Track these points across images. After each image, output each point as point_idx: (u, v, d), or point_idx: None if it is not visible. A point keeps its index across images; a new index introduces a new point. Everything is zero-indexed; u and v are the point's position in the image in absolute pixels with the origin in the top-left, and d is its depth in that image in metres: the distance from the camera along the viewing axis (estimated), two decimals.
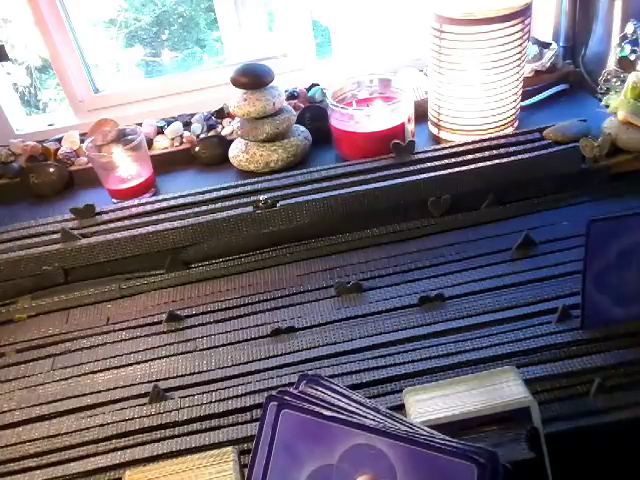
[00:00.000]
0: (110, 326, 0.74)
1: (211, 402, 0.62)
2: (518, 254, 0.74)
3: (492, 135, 0.88)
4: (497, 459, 0.36)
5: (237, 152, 0.93)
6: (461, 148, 0.85)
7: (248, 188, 0.84)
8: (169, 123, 1.02)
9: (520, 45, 0.82)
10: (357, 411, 0.40)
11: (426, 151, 0.85)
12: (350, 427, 0.38)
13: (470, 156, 0.83)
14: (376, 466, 0.37)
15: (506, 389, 0.48)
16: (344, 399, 0.42)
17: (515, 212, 0.81)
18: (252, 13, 1.08)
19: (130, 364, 0.68)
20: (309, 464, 0.38)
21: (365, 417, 0.39)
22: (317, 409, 0.40)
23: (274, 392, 0.43)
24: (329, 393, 0.43)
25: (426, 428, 0.39)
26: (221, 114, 1.03)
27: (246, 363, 0.66)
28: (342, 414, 0.39)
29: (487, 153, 0.83)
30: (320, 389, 0.43)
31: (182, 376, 0.66)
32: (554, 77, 1.02)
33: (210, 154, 0.97)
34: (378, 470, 0.37)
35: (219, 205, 0.81)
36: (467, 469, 0.35)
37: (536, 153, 0.81)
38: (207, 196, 0.83)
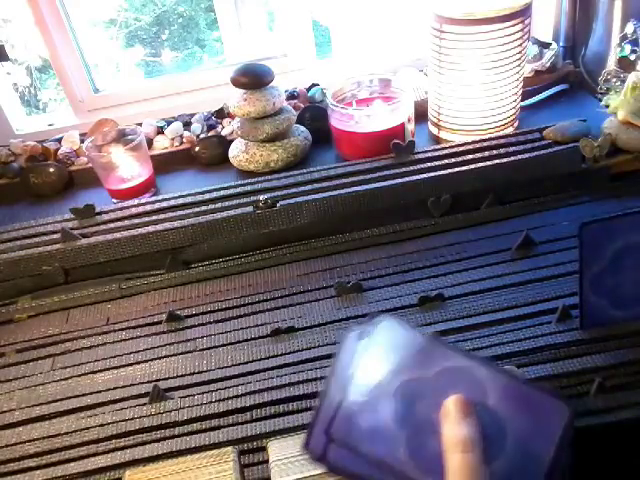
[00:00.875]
0: (110, 326, 0.74)
1: (211, 402, 0.62)
2: (518, 254, 0.74)
3: (492, 135, 0.88)
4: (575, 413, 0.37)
5: (237, 152, 0.93)
6: (461, 148, 0.85)
7: (248, 188, 0.84)
8: (169, 123, 1.02)
9: (520, 45, 0.82)
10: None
11: (426, 151, 0.85)
12: (451, 350, 0.39)
13: (470, 156, 0.83)
14: (470, 389, 0.37)
15: None
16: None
17: (515, 212, 0.81)
18: (252, 13, 1.08)
19: (130, 364, 0.68)
20: (404, 373, 0.38)
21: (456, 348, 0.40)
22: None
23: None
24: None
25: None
26: (221, 114, 1.03)
27: (246, 363, 0.66)
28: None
29: (487, 153, 0.83)
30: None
31: (182, 376, 0.66)
32: (554, 77, 1.02)
33: (210, 154, 0.97)
34: (471, 394, 0.37)
35: (219, 205, 0.81)
36: (560, 409, 0.36)
37: (536, 153, 0.81)
38: (207, 196, 0.83)
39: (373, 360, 0.39)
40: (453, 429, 0.34)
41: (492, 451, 0.35)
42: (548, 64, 1.00)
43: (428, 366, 0.38)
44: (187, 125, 1.02)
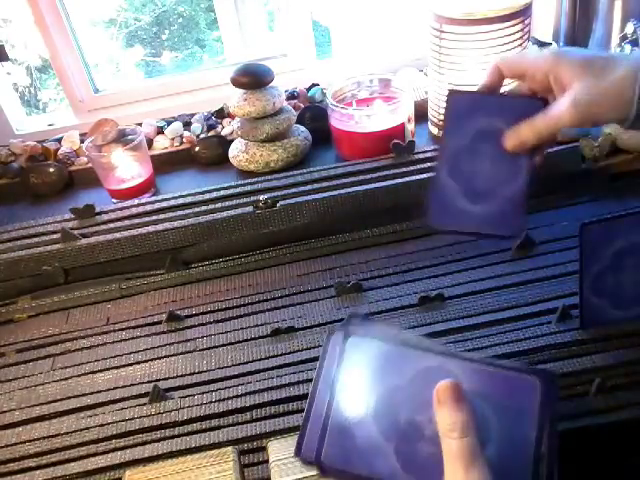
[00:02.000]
0: (110, 326, 0.74)
1: (211, 402, 0.62)
2: (518, 254, 0.74)
3: None
4: (555, 377, 0.38)
5: (237, 152, 0.93)
6: None
7: (248, 188, 0.84)
8: (169, 123, 1.02)
9: (520, 45, 0.82)
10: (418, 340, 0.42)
11: (426, 151, 0.85)
12: (421, 350, 0.39)
13: None
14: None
15: None
16: (400, 334, 0.43)
17: None
18: (252, 13, 1.08)
19: (130, 364, 0.68)
20: (379, 386, 0.39)
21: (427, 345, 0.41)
22: (386, 335, 0.41)
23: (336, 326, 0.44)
24: (385, 328, 0.43)
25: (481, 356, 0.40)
26: (221, 114, 1.03)
27: (246, 363, 0.66)
28: (409, 340, 0.41)
29: None
30: (375, 325, 0.44)
31: (182, 376, 0.66)
32: None
33: (210, 154, 0.97)
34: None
35: (219, 205, 0.81)
36: (531, 383, 0.37)
37: None
38: (207, 196, 0.83)
39: (349, 378, 0.40)
40: (448, 415, 0.34)
41: (481, 441, 0.35)
42: None
43: (400, 374, 0.39)
44: (187, 125, 1.02)
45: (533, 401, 0.36)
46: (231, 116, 1.03)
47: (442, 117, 0.90)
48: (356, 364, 0.40)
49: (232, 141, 0.97)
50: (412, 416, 0.37)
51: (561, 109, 0.45)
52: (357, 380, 0.40)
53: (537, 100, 0.50)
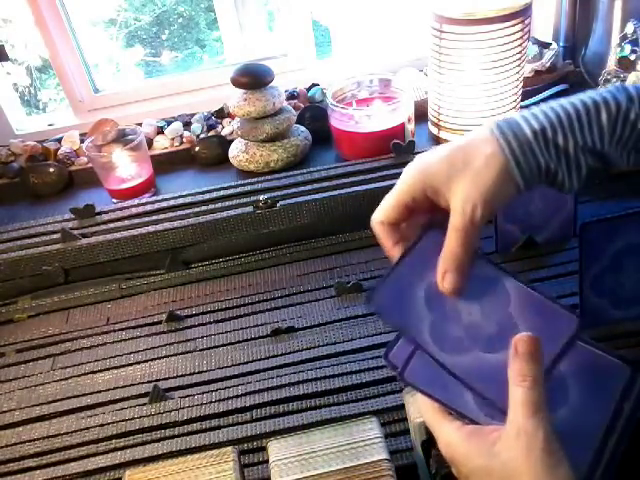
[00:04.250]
0: (110, 326, 0.74)
1: (211, 402, 0.62)
2: (518, 254, 0.74)
3: None
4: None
5: (237, 152, 0.93)
6: None
7: (248, 188, 0.84)
8: (169, 123, 1.02)
9: (520, 45, 0.82)
10: None
11: (426, 151, 0.85)
12: (482, 259, 0.41)
13: None
14: (496, 294, 0.40)
15: None
16: None
17: None
18: (252, 13, 1.08)
19: (130, 364, 0.68)
20: (433, 275, 0.41)
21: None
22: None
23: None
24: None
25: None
26: (221, 114, 1.03)
27: (246, 363, 0.66)
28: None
29: None
30: None
31: (182, 376, 0.66)
32: (554, 77, 1.02)
33: (210, 154, 0.97)
34: (496, 297, 0.40)
35: (219, 205, 0.81)
36: (620, 369, 0.39)
37: None
38: (207, 196, 0.83)
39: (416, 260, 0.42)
40: (520, 366, 0.35)
41: (554, 402, 0.38)
42: (548, 64, 1.00)
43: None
44: (187, 125, 1.02)
45: (618, 385, 0.38)
46: (231, 116, 1.03)
47: (441, 117, 0.90)
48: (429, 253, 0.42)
49: (232, 141, 0.97)
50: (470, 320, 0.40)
51: (456, 210, 0.40)
52: (420, 263, 0.42)
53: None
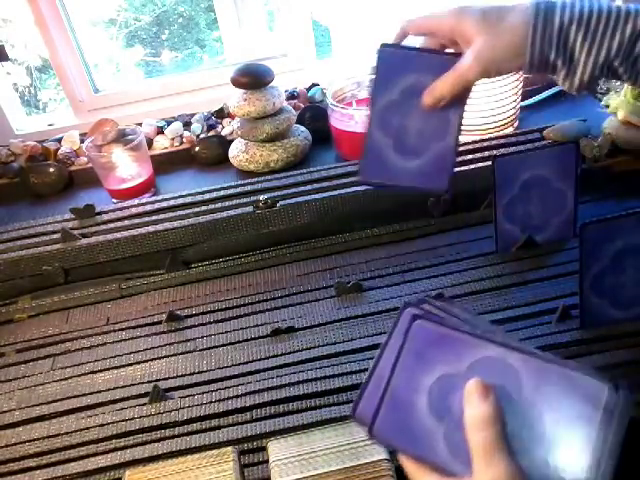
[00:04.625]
0: (110, 326, 0.74)
1: (211, 402, 0.62)
2: (518, 254, 0.74)
3: (492, 135, 0.88)
4: (628, 391, 0.36)
5: (237, 152, 0.93)
6: (461, 148, 0.85)
7: (248, 188, 0.84)
8: (169, 123, 1.02)
9: None
10: (489, 329, 0.42)
11: None
12: (484, 341, 0.39)
13: (470, 156, 0.83)
14: (504, 378, 0.38)
15: None
16: (474, 320, 0.44)
17: None
18: (252, 13, 1.08)
19: (130, 364, 0.68)
20: (438, 369, 0.39)
21: (494, 336, 0.40)
22: (453, 322, 0.41)
23: (412, 300, 0.44)
24: (461, 312, 0.44)
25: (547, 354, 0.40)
26: (221, 114, 1.03)
27: (246, 363, 0.66)
28: (474, 330, 0.41)
29: (487, 153, 0.83)
30: (452, 307, 0.45)
31: (182, 376, 0.66)
32: None
33: (210, 154, 0.97)
34: (505, 381, 0.37)
35: (219, 205, 0.81)
36: (599, 389, 0.36)
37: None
38: (207, 196, 0.83)
39: (411, 357, 0.40)
40: (472, 409, 0.35)
41: (530, 440, 0.35)
42: None
43: (461, 360, 0.39)
44: (187, 125, 1.02)
45: (597, 407, 0.35)
46: (231, 116, 1.03)
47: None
48: (419, 345, 0.40)
49: (232, 141, 0.97)
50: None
51: (466, 64, 0.48)
52: (418, 361, 0.40)
53: (459, 56, 0.51)
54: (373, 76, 0.56)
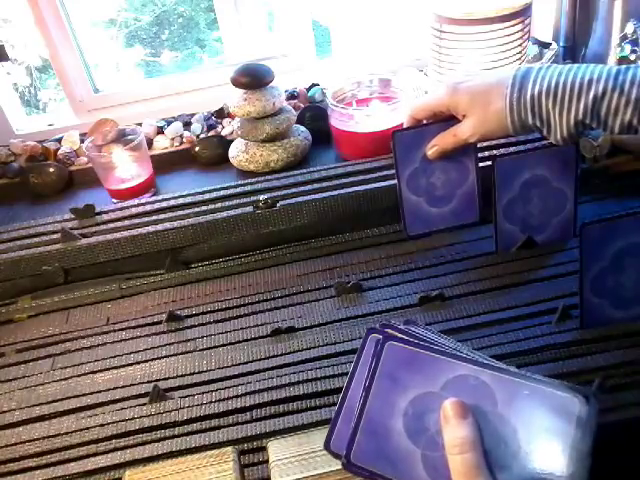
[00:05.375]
0: (110, 326, 0.74)
1: (211, 402, 0.62)
2: (518, 254, 0.74)
3: None
4: (594, 400, 0.37)
5: (237, 152, 0.93)
6: None
7: (248, 188, 0.84)
8: (169, 123, 1.02)
9: (520, 45, 0.82)
10: (455, 347, 0.42)
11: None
12: (455, 359, 0.39)
13: None
14: (477, 396, 0.38)
15: None
16: (440, 339, 0.44)
17: None
18: (252, 13, 1.08)
19: (130, 364, 0.68)
20: (412, 391, 0.39)
21: (464, 354, 0.41)
22: (422, 342, 0.42)
23: (375, 326, 0.45)
24: (426, 333, 0.44)
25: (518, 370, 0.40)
26: (221, 114, 1.03)
27: (246, 363, 0.66)
28: (445, 348, 0.41)
29: (487, 153, 0.83)
30: (416, 329, 0.45)
31: (182, 376, 0.66)
32: None
33: (210, 154, 0.97)
34: (479, 399, 0.38)
35: (219, 205, 0.81)
36: (570, 402, 0.36)
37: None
38: (207, 196, 0.83)
39: (383, 380, 0.40)
40: (452, 432, 0.35)
41: (506, 456, 0.35)
42: (548, 64, 0.99)
43: (434, 379, 0.39)
44: (187, 125, 1.02)
45: (570, 420, 0.36)
46: (231, 116, 1.03)
47: None
48: (390, 367, 0.41)
49: (232, 141, 0.97)
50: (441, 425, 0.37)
51: (464, 131, 0.64)
52: (390, 383, 0.40)
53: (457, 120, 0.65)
54: (392, 155, 0.71)
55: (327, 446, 0.40)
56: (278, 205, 0.79)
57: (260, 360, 0.66)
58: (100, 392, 0.65)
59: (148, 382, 0.65)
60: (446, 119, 0.67)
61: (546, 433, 0.36)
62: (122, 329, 0.73)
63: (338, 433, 0.40)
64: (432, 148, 0.68)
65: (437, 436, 0.37)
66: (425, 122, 0.69)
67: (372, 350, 0.42)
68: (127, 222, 0.81)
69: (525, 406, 0.37)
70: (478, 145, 0.72)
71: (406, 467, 0.37)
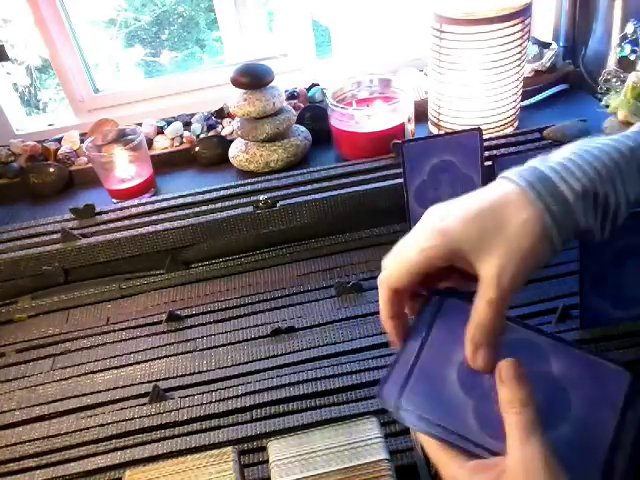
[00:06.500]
0: (110, 326, 0.74)
1: (211, 402, 0.62)
2: None
3: (492, 135, 0.88)
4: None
5: (237, 152, 0.93)
6: None
7: (248, 188, 0.84)
8: (169, 123, 1.02)
9: (520, 45, 0.82)
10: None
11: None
12: (513, 323, 0.40)
13: None
14: (533, 357, 0.39)
15: None
16: None
17: None
18: (252, 13, 1.08)
19: (130, 364, 0.68)
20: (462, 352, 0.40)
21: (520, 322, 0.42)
22: None
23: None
24: None
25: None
26: (221, 114, 1.03)
27: (246, 363, 0.66)
28: None
29: (487, 153, 0.83)
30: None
31: (182, 376, 0.66)
32: (554, 77, 1.02)
33: (210, 154, 0.97)
34: (534, 360, 0.39)
35: (219, 205, 0.81)
36: (621, 376, 0.37)
37: (533, 154, 0.81)
38: (207, 196, 0.83)
39: (441, 334, 0.41)
40: (508, 391, 0.35)
41: (556, 417, 0.37)
42: (548, 64, 1.00)
43: None
44: (187, 125, 1.02)
45: (619, 392, 0.37)
46: (231, 116, 1.03)
47: (441, 117, 0.90)
48: (449, 322, 0.41)
49: (232, 141, 0.97)
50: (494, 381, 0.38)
51: (492, 280, 0.36)
52: (448, 336, 0.40)
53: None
54: (401, 168, 0.72)
55: (380, 393, 0.39)
56: (278, 205, 0.79)
57: (260, 360, 0.66)
58: (100, 392, 0.65)
59: (148, 382, 0.65)
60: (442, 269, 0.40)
61: (595, 401, 0.37)
62: (122, 329, 0.73)
63: (392, 381, 0.40)
64: (476, 352, 0.38)
65: (491, 391, 0.37)
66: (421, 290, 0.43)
67: (434, 307, 0.42)
68: (127, 222, 0.81)
69: (577, 373, 0.38)
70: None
71: (456, 415, 0.38)
